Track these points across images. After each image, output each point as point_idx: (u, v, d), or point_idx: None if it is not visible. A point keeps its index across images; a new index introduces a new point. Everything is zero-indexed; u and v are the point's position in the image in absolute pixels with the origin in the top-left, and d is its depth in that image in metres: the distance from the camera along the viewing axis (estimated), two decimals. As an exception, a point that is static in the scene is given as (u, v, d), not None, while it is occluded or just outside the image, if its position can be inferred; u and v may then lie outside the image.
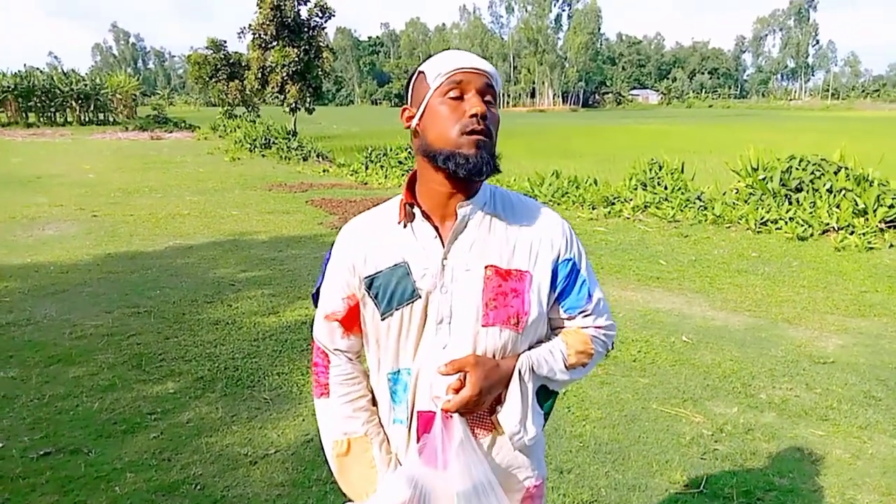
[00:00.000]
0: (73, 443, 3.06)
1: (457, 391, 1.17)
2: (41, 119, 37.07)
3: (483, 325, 1.20)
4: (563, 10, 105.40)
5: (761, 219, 8.24)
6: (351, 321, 1.29)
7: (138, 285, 5.68)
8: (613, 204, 9.61)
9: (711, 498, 2.70)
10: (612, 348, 1.35)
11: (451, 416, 1.19)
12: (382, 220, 1.27)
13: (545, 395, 1.29)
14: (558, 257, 1.25)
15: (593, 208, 9.60)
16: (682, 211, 8.98)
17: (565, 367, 1.26)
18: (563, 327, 1.31)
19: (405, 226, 1.23)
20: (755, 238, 7.79)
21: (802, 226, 7.87)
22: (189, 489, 2.72)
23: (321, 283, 1.33)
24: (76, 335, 4.45)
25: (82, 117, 38.12)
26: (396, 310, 1.21)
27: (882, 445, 3.13)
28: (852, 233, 7.56)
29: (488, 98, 1.18)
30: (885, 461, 2.99)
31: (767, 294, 5.60)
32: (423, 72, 1.20)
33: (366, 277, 1.24)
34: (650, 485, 2.79)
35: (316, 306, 1.34)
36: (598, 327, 1.30)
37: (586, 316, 1.29)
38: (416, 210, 1.22)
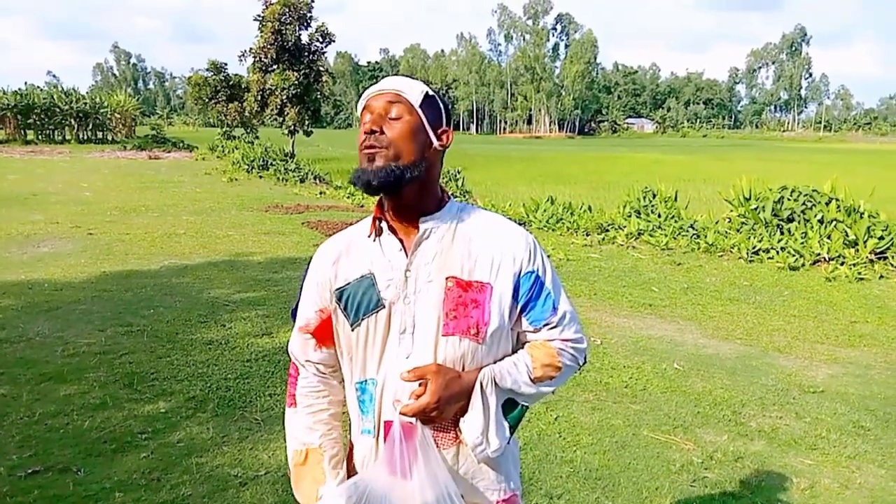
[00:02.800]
0: (63, 461, 3.04)
1: (418, 398, 1.20)
2: (40, 137, 37.18)
3: (443, 335, 1.24)
4: (561, 40, 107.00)
5: (753, 248, 8.32)
6: (323, 334, 1.34)
7: (132, 304, 5.68)
8: (607, 231, 9.69)
9: (700, 526, 2.71)
10: (585, 362, 1.37)
11: (413, 424, 1.21)
12: (356, 235, 1.34)
13: (511, 407, 1.30)
14: (520, 270, 1.28)
15: (587, 235, 9.67)
16: (675, 239, 9.06)
17: (530, 379, 1.28)
18: (529, 342, 1.33)
19: (374, 239, 1.30)
20: (747, 267, 7.86)
21: (794, 255, 7.95)
22: (178, 510, 2.71)
23: (299, 299, 1.39)
24: (68, 353, 4.44)
25: (81, 135, 38.25)
26: (363, 319, 1.27)
27: (870, 475, 3.14)
28: (843, 263, 7.64)
29: (394, 111, 1.23)
30: (872, 491, 3.00)
31: (758, 323, 5.64)
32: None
33: (336, 290, 1.30)
34: (640, 512, 2.79)
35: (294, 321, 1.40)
36: (565, 340, 1.32)
37: (552, 328, 1.31)
38: (384, 224, 1.28)
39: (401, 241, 1.28)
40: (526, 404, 1.33)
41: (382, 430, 1.27)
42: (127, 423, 3.46)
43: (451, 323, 1.23)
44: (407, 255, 1.26)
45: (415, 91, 1.25)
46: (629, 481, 3.03)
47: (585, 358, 1.38)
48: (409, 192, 1.25)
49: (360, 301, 1.27)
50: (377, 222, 1.29)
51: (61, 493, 2.79)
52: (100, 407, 3.64)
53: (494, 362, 1.29)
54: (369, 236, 1.30)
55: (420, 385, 1.21)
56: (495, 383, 1.26)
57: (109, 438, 3.28)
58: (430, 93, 1.27)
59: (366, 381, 1.30)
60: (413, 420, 1.22)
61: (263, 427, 3.47)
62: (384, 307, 1.26)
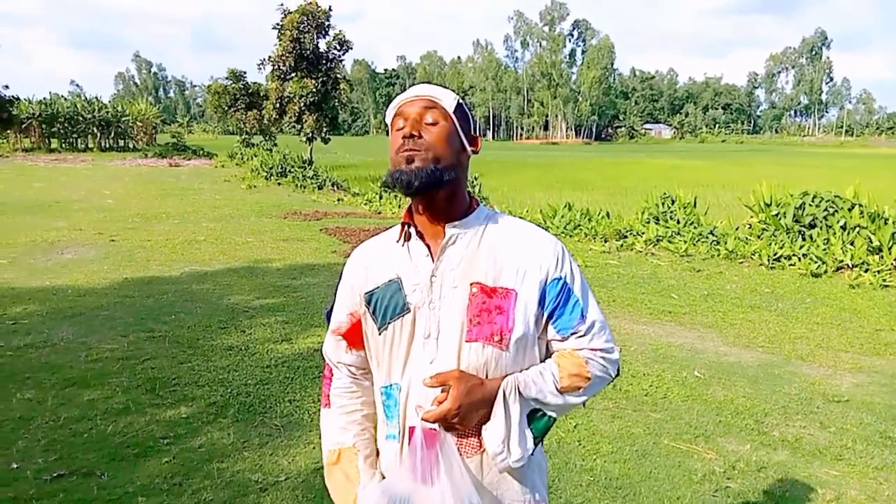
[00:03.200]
0: (87, 465, 3.09)
1: (440, 404, 1.20)
2: (63, 145, 37.88)
3: (466, 341, 1.23)
4: (578, 46, 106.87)
5: (774, 254, 8.22)
6: (354, 337, 1.37)
7: (154, 310, 5.75)
8: (626, 237, 9.63)
9: (723, 536, 2.67)
10: (618, 374, 1.34)
11: (436, 431, 1.22)
12: (386, 241, 1.36)
13: (538, 418, 1.29)
14: (547, 277, 1.26)
15: (605, 241, 9.62)
16: (694, 245, 8.98)
17: (557, 389, 1.26)
18: (558, 351, 1.32)
19: (402, 244, 1.31)
20: (768, 274, 7.77)
21: (816, 262, 7.84)
22: (199, 515, 2.73)
23: (333, 303, 1.42)
24: (92, 358, 4.51)
25: (103, 144, 38.91)
26: (389, 323, 1.28)
27: (898, 487, 3.08)
28: (867, 270, 7.52)
29: (430, 117, 1.25)
30: (901, 503, 2.94)
31: (781, 330, 5.57)
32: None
33: (366, 293, 1.32)
34: (661, 521, 2.76)
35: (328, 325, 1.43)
36: (594, 349, 1.28)
37: (580, 337, 1.28)
38: (412, 230, 1.30)
39: (428, 246, 1.29)
40: (553, 415, 1.30)
41: (406, 436, 1.27)
42: (149, 427, 3.50)
43: (474, 329, 1.23)
44: (433, 261, 1.27)
45: (448, 98, 1.28)
46: (650, 491, 3.00)
47: (618, 370, 1.34)
48: (442, 196, 1.26)
49: (387, 305, 1.28)
50: (406, 227, 1.31)
51: (85, 497, 2.82)
52: (123, 412, 3.68)
53: (521, 371, 1.27)
54: (398, 241, 1.32)
55: (442, 391, 1.21)
56: (519, 392, 1.24)
57: (132, 443, 3.32)
58: (461, 101, 1.30)
59: (391, 385, 1.30)
60: (436, 426, 1.22)
61: (283, 433, 3.49)
62: (409, 311, 1.26)
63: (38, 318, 5.46)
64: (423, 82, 1.38)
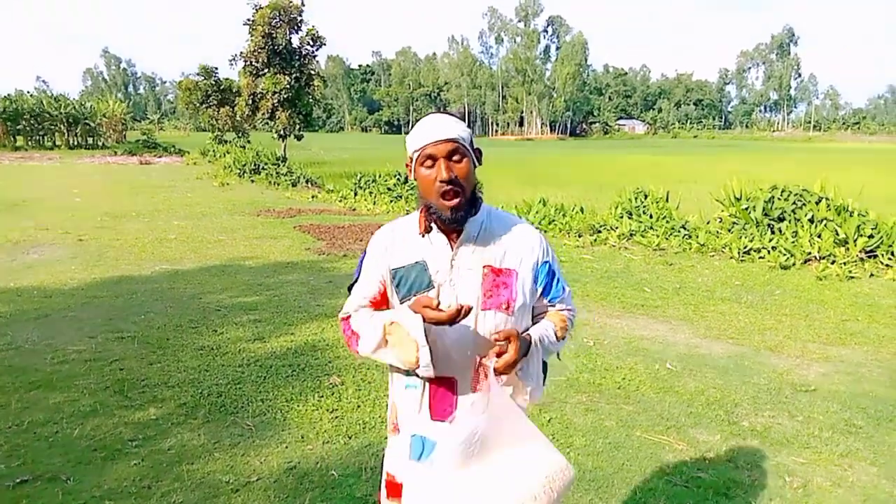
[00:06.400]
0: (52, 470, 3.01)
1: (499, 356, 1.53)
2: (29, 143, 36.98)
3: (482, 310, 1.60)
4: (552, 42, 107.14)
5: (744, 247, 8.35)
6: (379, 302, 1.70)
7: (123, 310, 5.64)
8: (599, 232, 9.70)
9: (694, 526, 2.70)
10: (573, 326, 1.80)
11: (499, 377, 1.55)
12: (405, 228, 1.69)
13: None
14: (538, 261, 1.67)
15: (580, 236, 9.69)
16: (667, 239, 9.09)
17: (556, 338, 1.70)
18: (545, 313, 1.74)
19: (423, 236, 1.64)
20: (738, 266, 7.89)
21: (785, 255, 7.98)
22: (169, 517, 2.69)
23: (357, 278, 1.73)
24: (58, 360, 4.40)
25: (71, 141, 38.08)
26: (413, 295, 1.61)
27: (862, 473, 3.15)
28: (833, 262, 7.68)
29: (455, 157, 1.55)
30: (865, 489, 3.01)
31: (750, 322, 5.66)
32: (407, 145, 1.63)
33: (392, 269, 1.65)
34: (633, 513, 2.78)
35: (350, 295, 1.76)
36: (569, 310, 1.77)
37: (561, 302, 1.75)
38: (433, 225, 1.63)
39: (446, 236, 1.62)
40: (546, 360, 1.72)
41: (427, 386, 1.63)
42: (117, 430, 3.43)
43: (488, 301, 1.60)
44: (452, 249, 1.62)
45: (465, 132, 1.59)
46: (623, 482, 3.03)
47: (573, 322, 1.81)
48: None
49: (412, 281, 1.63)
50: (427, 223, 1.62)
51: (50, 503, 2.75)
52: (90, 414, 3.60)
53: (531, 329, 1.67)
54: (420, 233, 1.64)
55: (503, 343, 1.53)
56: (540, 342, 1.64)
57: (99, 446, 3.25)
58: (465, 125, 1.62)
59: None
60: (489, 373, 1.55)
61: (255, 433, 3.44)
62: (434, 287, 1.61)
63: (1, 320, 5.32)
64: (438, 110, 1.64)
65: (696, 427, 3.62)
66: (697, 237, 8.92)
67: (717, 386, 4.21)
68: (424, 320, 1.52)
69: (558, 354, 1.77)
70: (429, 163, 1.55)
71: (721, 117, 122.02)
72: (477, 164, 1.61)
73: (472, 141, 1.61)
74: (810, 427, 3.64)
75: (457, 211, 1.55)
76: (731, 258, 8.24)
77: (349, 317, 1.73)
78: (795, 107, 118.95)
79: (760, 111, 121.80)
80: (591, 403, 3.90)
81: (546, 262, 1.68)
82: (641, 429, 3.58)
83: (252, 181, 18.68)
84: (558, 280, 1.72)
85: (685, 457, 3.28)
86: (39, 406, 3.70)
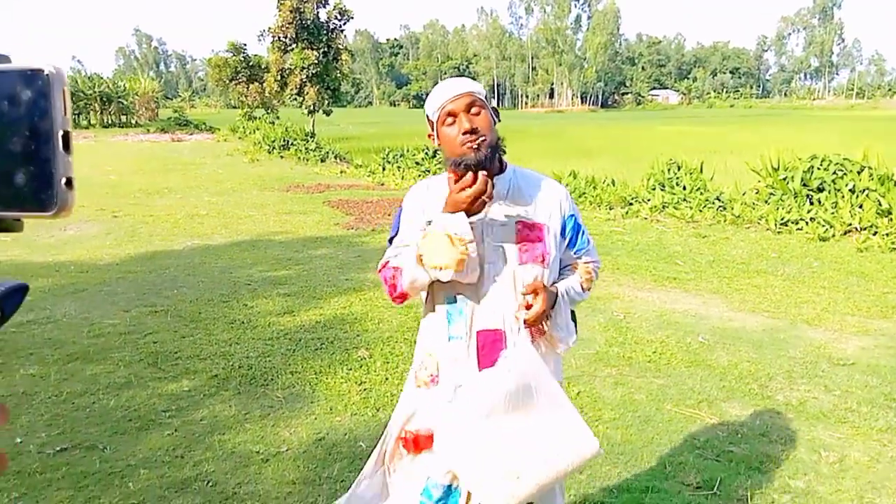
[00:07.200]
0: (89, 439, 3.10)
1: (528, 308, 1.58)
2: (65, 122, 37.63)
3: (520, 263, 1.65)
4: (583, 11, 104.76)
5: (781, 219, 8.12)
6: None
7: (156, 285, 5.75)
8: (631, 204, 9.53)
9: (726, 500, 2.66)
10: (597, 277, 1.85)
11: (529, 328, 1.63)
12: (439, 185, 1.71)
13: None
14: (565, 214, 1.74)
15: (611, 209, 9.53)
16: (700, 211, 8.88)
17: (582, 289, 1.78)
18: (570, 265, 1.81)
19: None
20: (775, 238, 7.68)
21: (824, 226, 7.74)
22: (201, 486, 2.75)
23: (396, 231, 1.75)
24: (94, 333, 4.51)
25: (105, 120, 38.72)
26: None
27: (903, 449, 3.06)
28: (875, 233, 7.42)
29: (474, 109, 1.59)
30: (905, 465, 2.92)
31: (786, 295, 5.52)
32: (426, 111, 1.68)
33: (428, 221, 1.65)
34: (663, 487, 2.75)
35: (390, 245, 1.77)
36: (594, 261, 1.83)
37: (587, 253, 1.81)
38: None
39: None
40: (573, 309, 1.78)
41: (474, 337, 1.65)
42: (151, 401, 3.51)
43: (524, 255, 1.65)
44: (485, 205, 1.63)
45: (480, 88, 1.63)
46: (652, 456, 2.99)
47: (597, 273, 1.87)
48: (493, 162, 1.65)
49: None
50: (459, 177, 1.62)
51: (88, 470, 2.84)
52: (125, 386, 3.69)
53: (560, 281, 1.73)
54: None
55: (530, 298, 1.59)
56: (567, 294, 1.71)
57: (134, 416, 3.33)
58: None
59: (455, 297, 1.65)
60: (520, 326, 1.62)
61: (285, 405, 3.49)
62: (472, 241, 1.60)
63: (40, 294, 5.46)
64: (455, 76, 1.60)
65: (729, 401, 3.56)
66: (732, 209, 8.69)
67: (750, 359, 4.12)
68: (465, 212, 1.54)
69: (574, 316, 1.78)
70: (450, 120, 1.59)
71: (759, 86, 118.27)
72: (496, 120, 1.65)
73: (488, 98, 1.65)
74: (848, 401, 3.54)
75: (483, 158, 1.56)
76: (768, 230, 8.02)
77: (388, 263, 1.71)
78: (837, 73, 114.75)
79: (800, 79, 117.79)
80: (620, 377, 3.85)
81: (572, 214, 1.75)
82: (672, 402, 3.53)
83: (281, 157, 18.79)
84: (583, 232, 1.78)
85: (717, 431, 3.22)
86: (77, 377, 3.80)
